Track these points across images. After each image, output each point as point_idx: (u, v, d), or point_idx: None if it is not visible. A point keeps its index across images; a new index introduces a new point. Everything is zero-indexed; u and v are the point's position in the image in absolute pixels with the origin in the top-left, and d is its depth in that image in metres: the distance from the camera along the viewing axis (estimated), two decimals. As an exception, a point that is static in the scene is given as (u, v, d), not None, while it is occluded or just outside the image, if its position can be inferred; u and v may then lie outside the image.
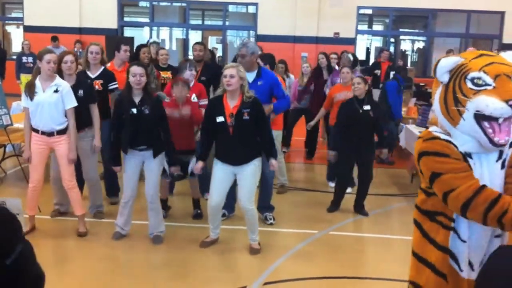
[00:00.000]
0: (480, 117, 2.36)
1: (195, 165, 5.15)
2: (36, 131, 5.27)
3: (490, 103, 2.31)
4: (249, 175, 4.96)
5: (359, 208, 6.50)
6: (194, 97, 6.14)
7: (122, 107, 5.13)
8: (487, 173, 2.46)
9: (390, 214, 6.72)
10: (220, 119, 4.80)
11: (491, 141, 2.38)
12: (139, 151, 5.16)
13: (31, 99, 5.14)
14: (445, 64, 2.48)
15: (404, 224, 6.28)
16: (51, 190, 5.95)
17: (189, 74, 6.11)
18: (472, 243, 2.50)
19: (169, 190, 6.37)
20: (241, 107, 4.80)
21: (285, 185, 7.32)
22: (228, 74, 4.74)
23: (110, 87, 6.24)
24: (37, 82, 5.16)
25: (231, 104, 4.83)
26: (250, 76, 5.65)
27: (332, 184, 7.36)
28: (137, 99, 5.07)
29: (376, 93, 13.36)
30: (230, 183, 5.09)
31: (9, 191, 6.97)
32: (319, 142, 9.93)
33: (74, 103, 5.26)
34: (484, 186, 2.34)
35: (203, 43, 8.06)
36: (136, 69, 5.03)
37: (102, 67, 6.23)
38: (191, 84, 6.11)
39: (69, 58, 5.43)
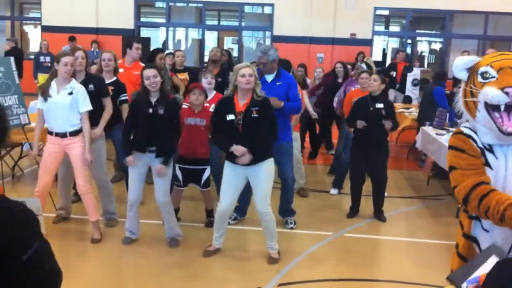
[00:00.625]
0: (489, 107, 2.58)
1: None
2: (50, 133, 5.28)
3: (489, 92, 2.55)
4: (262, 176, 4.89)
5: (378, 213, 6.44)
6: (213, 107, 6.12)
7: (138, 107, 5.14)
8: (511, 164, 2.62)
9: (405, 217, 6.67)
10: (230, 117, 4.78)
11: (500, 129, 2.56)
12: (149, 152, 5.13)
13: (45, 100, 5.16)
14: (459, 62, 2.76)
15: (419, 227, 6.26)
16: (52, 195, 5.85)
17: (204, 81, 6.08)
18: (495, 234, 2.63)
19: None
20: (250, 105, 4.78)
21: (304, 188, 7.30)
22: (247, 73, 4.73)
23: (120, 98, 6.23)
24: (53, 83, 5.18)
25: (241, 103, 4.82)
26: (269, 77, 5.73)
27: (334, 191, 7.34)
28: (153, 100, 5.09)
29: (392, 94, 13.36)
30: (241, 186, 5.03)
31: (26, 190, 7.04)
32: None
33: (88, 106, 5.25)
34: (481, 183, 2.55)
35: (220, 48, 8.11)
36: (148, 72, 5.03)
37: (115, 77, 6.27)
38: (212, 94, 6.11)
39: (79, 54, 5.53)
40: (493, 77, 2.58)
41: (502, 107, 2.55)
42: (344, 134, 7.52)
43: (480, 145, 2.66)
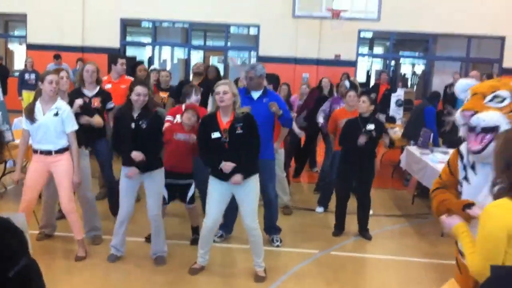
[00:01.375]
0: (468, 128, 2.96)
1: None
2: (35, 151, 5.22)
3: (457, 114, 2.99)
4: (248, 192, 4.90)
5: (363, 232, 6.45)
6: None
7: (121, 122, 5.13)
8: (485, 183, 2.80)
9: (391, 235, 6.69)
10: (215, 135, 4.79)
11: (469, 148, 2.95)
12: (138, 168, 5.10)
13: (31, 123, 5.10)
14: (458, 85, 3.20)
15: (405, 246, 6.27)
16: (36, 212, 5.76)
17: (195, 99, 6.11)
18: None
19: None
20: (234, 121, 4.80)
21: (289, 206, 7.29)
22: (221, 90, 4.74)
23: (108, 107, 6.37)
24: (38, 104, 5.12)
25: (224, 120, 4.83)
26: (256, 94, 5.80)
27: (319, 210, 7.36)
28: (135, 114, 5.09)
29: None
30: (226, 202, 5.03)
31: (9, 207, 6.95)
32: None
33: (75, 126, 5.23)
34: (437, 189, 3.09)
35: (205, 64, 8.20)
36: (140, 89, 5.04)
37: (98, 87, 6.32)
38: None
39: (63, 74, 5.53)
40: (467, 99, 2.97)
41: (477, 129, 2.88)
42: (331, 151, 7.53)
43: (465, 161, 3.04)
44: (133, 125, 5.05)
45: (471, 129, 2.88)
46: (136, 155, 5.00)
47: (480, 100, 2.91)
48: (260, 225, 5.15)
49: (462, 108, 2.91)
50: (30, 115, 5.09)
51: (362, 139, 6.14)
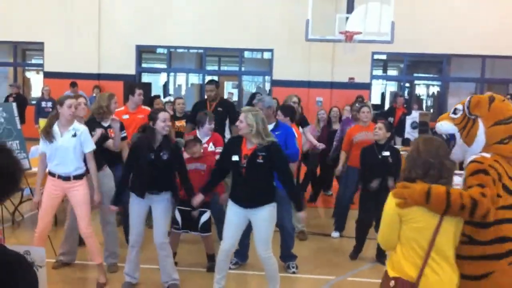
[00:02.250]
0: None
1: (195, 198, 5.11)
2: (53, 175, 5.25)
3: None
4: (262, 220, 4.84)
5: (380, 257, 6.33)
6: (211, 146, 6.20)
7: (138, 152, 5.10)
8: None
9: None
10: (235, 158, 4.78)
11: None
12: (149, 194, 5.13)
13: (49, 143, 5.16)
14: None
15: (423, 271, 6.17)
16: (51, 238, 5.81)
17: (208, 128, 6.16)
18: None
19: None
20: (257, 150, 4.74)
21: (304, 231, 7.24)
22: (240, 118, 4.80)
23: (122, 135, 6.29)
24: (55, 127, 5.19)
25: (248, 146, 4.81)
26: (268, 127, 5.74)
27: (335, 234, 7.30)
28: (156, 145, 5.07)
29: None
30: (243, 227, 4.99)
31: (26, 235, 6.99)
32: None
33: (92, 146, 5.30)
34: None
35: (213, 81, 8.13)
36: (166, 115, 5.08)
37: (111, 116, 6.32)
38: (209, 135, 6.21)
39: (82, 100, 5.66)
40: None
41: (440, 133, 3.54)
42: (345, 179, 7.48)
43: None
44: (152, 155, 5.02)
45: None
46: (197, 200, 5.12)
47: (448, 113, 3.42)
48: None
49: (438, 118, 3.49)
50: (48, 135, 5.15)
51: (374, 184, 6.18)
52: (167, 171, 5.10)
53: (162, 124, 5.01)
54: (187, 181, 5.25)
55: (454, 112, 3.33)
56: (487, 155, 3.10)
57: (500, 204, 2.98)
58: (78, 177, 5.24)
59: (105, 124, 6.07)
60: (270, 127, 5.76)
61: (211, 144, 6.23)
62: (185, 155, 5.69)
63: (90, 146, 5.27)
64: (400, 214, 2.97)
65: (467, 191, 2.91)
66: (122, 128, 6.31)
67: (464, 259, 3.01)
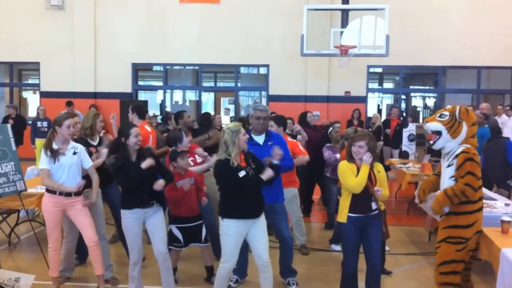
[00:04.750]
0: None
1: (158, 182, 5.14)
2: (53, 192, 5.39)
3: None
4: (262, 226, 4.96)
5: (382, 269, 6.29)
6: (198, 158, 6.33)
7: (124, 167, 5.10)
8: (443, 167, 5.12)
9: (408, 274, 6.54)
10: (242, 173, 4.76)
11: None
12: (146, 207, 5.17)
13: (54, 161, 5.30)
14: None
15: (422, 284, 6.13)
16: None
17: (187, 141, 6.22)
18: None
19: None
20: (246, 159, 4.92)
21: (306, 246, 7.22)
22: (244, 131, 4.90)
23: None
24: (55, 146, 5.35)
25: (238, 159, 4.85)
26: (260, 139, 5.78)
27: (336, 247, 7.25)
28: (133, 158, 5.16)
29: (387, 150, 13.51)
30: (241, 242, 4.99)
31: (23, 257, 6.94)
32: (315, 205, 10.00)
33: (91, 161, 5.58)
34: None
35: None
36: (138, 130, 5.22)
37: (99, 136, 6.36)
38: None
39: (76, 119, 5.79)
40: None
41: (429, 131, 5.20)
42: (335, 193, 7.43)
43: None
44: (134, 168, 5.08)
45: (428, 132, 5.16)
46: (159, 184, 5.12)
47: (435, 116, 5.11)
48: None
49: (425, 120, 5.14)
50: (54, 153, 5.30)
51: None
52: (152, 178, 5.14)
53: (134, 139, 5.13)
54: (169, 174, 5.39)
55: (441, 116, 5.04)
56: (469, 146, 4.92)
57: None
58: (78, 194, 5.47)
59: (94, 143, 6.11)
60: (262, 138, 5.80)
61: (196, 156, 6.33)
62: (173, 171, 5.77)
63: (89, 161, 5.54)
64: None
65: (456, 184, 4.84)
66: None
67: (460, 214, 4.89)
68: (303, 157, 6.84)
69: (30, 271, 6.25)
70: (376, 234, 4.99)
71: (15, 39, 16.41)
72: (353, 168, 4.89)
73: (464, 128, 4.95)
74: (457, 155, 4.88)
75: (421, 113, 21.01)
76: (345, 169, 4.90)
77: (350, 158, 4.95)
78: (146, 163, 5.06)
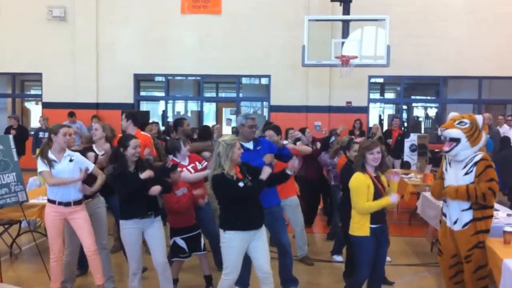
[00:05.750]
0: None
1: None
2: (53, 202, 5.47)
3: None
4: (263, 237, 4.94)
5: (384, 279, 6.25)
6: (198, 164, 6.33)
7: (122, 177, 5.11)
8: (455, 174, 5.13)
9: (410, 284, 6.52)
10: (241, 184, 4.74)
11: (442, 150, 5.14)
12: (144, 218, 5.17)
13: (50, 167, 5.39)
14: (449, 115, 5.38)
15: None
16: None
17: (185, 150, 6.23)
18: (448, 207, 5.20)
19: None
20: (241, 171, 4.90)
21: (308, 256, 7.22)
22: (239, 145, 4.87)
23: None
24: (51, 155, 5.43)
25: (234, 172, 4.84)
26: (250, 145, 5.77)
27: (338, 258, 7.23)
28: (131, 169, 5.18)
29: (389, 160, 13.47)
30: (244, 253, 4.96)
31: (24, 267, 6.93)
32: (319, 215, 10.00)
33: (91, 163, 5.60)
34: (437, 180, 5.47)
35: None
36: (137, 142, 5.22)
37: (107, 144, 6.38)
38: (187, 157, 6.30)
39: (72, 131, 5.77)
40: None
41: (447, 139, 5.06)
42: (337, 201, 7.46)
43: (447, 160, 5.26)
44: (132, 179, 5.10)
45: (445, 138, 5.06)
46: (155, 189, 5.12)
47: (452, 122, 5.11)
48: (275, 280, 5.07)
49: (443, 125, 5.17)
50: (49, 162, 5.40)
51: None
52: (150, 185, 5.15)
53: (132, 151, 5.14)
54: (167, 183, 5.40)
55: (460, 124, 5.05)
56: (485, 153, 5.06)
57: None
58: (77, 203, 5.50)
59: (99, 152, 6.19)
60: (251, 144, 5.79)
61: (196, 163, 6.33)
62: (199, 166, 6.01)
63: (89, 163, 5.57)
64: None
65: (479, 185, 4.89)
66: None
67: (486, 218, 5.04)
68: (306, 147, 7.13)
69: (31, 282, 6.28)
70: (385, 244, 5.07)
71: (17, 50, 16.49)
72: (368, 180, 4.85)
73: (483, 137, 5.06)
74: (476, 163, 4.96)
75: (422, 123, 21.02)
76: (359, 186, 4.85)
77: (363, 168, 4.92)
78: (145, 174, 5.08)
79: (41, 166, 5.45)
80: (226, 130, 16.82)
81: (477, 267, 5.00)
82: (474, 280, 5.02)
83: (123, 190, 5.10)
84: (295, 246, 7.02)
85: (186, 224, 5.82)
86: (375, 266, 4.98)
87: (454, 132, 5.00)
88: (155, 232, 5.24)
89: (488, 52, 15.24)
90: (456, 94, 17.95)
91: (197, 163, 6.34)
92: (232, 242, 4.82)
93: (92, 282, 5.83)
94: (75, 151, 5.75)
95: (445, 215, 5.25)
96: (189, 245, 5.85)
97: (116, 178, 5.14)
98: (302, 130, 9.16)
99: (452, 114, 5.24)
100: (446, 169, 5.22)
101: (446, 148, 5.04)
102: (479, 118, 5.10)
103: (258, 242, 4.89)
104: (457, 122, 5.05)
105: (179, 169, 5.83)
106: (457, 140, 4.99)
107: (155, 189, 5.12)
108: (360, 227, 4.87)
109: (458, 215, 5.06)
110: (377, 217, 4.90)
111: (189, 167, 6.18)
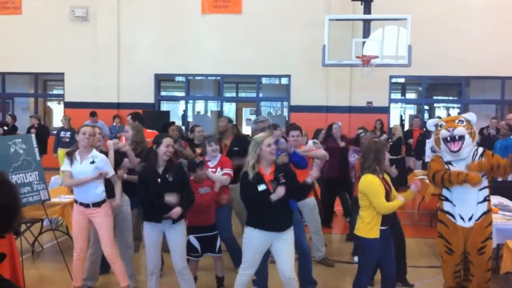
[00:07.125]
0: (443, 140, 5.26)
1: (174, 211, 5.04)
2: (76, 201, 5.60)
3: (441, 133, 5.28)
4: (289, 241, 4.87)
5: (401, 279, 6.19)
6: (218, 171, 6.17)
7: (147, 179, 5.14)
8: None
9: (430, 287, 6.45)
10: (262, 187, 4.72)
11: (450, 150, 5.22)
12: (164, 220, 5.13)
13: (71, 164, 5.50)
14: (430, 122, 5.66)
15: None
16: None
17: (210, 150, 6.18)
18: (459, 207, 5.29)
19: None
20: (276, 172, 4.80)
21: (328, 257, 7.20)
22: (272, 142, 4.83)
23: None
24: (76, 155, 5.54)
25: (267, 172, 4.81)
26: None
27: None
28: (160, 169, 5.14)
29: (409, 161, 13.41)
30: (264, 252, 4.96)
31: (46, 265, 7.01)
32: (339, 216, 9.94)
33: (112, 171, 5.62)
34: (442, 171, 5.27)
35: (224, 117, 8.06)
36: (170, 141, 5.19)
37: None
38: (216, 159, 6.20)
39: (97, 130, 5.81)
40: (442, 125, 5.33)
41: (449, 139, 5.18)
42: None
43: (445, 161, 5.35)
44: (159, 179, 5.09)
45: (452, 138, 5.17)
46: (170, 198, 5.02)
47: (453, 122, 5.29)
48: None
49: (445, 127, 5.28)
50: (71, 157, 5.51)
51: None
52: (175, 191, 5.10)
53: (164, 149, 5.10)
54: (191, 197, 5.28)
55: (460, 122, 5.29)
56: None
57: None
58: (96, 205, 5.52)
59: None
60: None
61: (218, 169, 6.18)
62: (192, 181, 5.74)
63: (110, 169, 5.59)
64: None
65: (502, 160, 5.23)
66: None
67: (490, 212, 5.29)
68: (321, 153, 6.88)
69: (53, 280, 6.36)
70: (392, 244, 5.05)
71: (40, 50, 16.71)
72: (378, 180, 4.85)
73: (476, 131, 5.38)
74: (481, 154, 5.23)
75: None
76: (378, 186, 4.82)
77: (375, 171, 4.88)
78: (170, 199, 5.02)
79: (64, 165, 5.59)
80: (246, 130, 16.78)
81: (488, 258, 5.26)
82: (483, 272, 5.23)
83: (143, 194, 5.14)
84: (312, 248, 6.99)
85: (201, 223, 5.77)
86: (385, 266, 4.98)
87: (461, 130, 5.18)
88: (175, 235, 5.20)
89: (511, 51, 15.02)
90: (479, 94, 17.73)
91: (219, 168, 6.20)
92: (252, 239, 4.85)
93: (114, 281, 5.87)
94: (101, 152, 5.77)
95: (452, 215, 5.33)
96: (203, 245, 5.83)
97: (142, 178, 5.19)
98: (329, 127, 9.12)
99: (433, 120, 5.62)
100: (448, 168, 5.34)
101: (455, 148, 5.16)
102: (469, 116, 5.38)
103: (282, 245, 4.84)
104: (457, 121, 5.29)
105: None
106: (461, 138, 5.16)
107: (175, 213, 5.03)
108: (371, 229, 4.83)
109: (474, 209, 5.20)
110: (388, 218, 4.88)
111: (210, 170, 6.12)
